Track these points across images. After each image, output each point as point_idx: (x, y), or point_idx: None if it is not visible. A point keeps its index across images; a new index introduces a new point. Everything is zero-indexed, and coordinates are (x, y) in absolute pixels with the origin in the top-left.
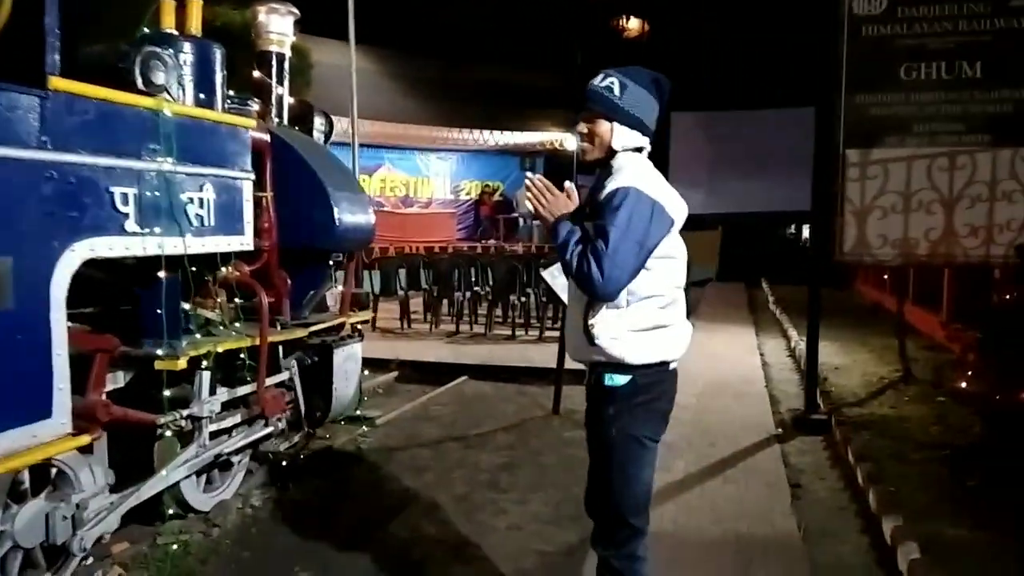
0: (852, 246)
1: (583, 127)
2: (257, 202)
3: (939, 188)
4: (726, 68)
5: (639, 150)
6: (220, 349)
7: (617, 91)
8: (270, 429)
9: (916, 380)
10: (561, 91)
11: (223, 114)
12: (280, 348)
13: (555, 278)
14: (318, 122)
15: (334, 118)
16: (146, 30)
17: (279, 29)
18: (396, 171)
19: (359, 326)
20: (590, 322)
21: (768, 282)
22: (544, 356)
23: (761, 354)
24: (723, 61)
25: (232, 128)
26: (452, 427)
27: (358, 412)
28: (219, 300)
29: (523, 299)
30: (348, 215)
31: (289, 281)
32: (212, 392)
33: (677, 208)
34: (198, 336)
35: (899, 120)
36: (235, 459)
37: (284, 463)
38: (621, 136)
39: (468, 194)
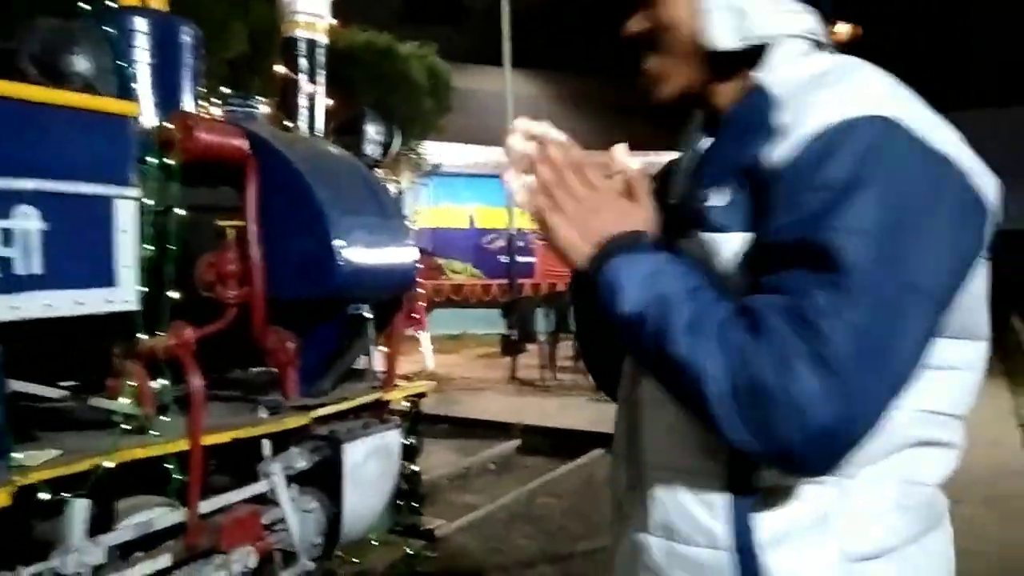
0: None
1: (634, 24)
2: (237, 235)
3: None
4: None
5: (812, 43)
6: (104, 464)
7: None
8: (219, 575)
9: None
10: None
11: (68, 94)
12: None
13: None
14: (371, 131)
15: None
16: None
17: (309, 8)
18: None
19: (416, 401)
20: (752, 530)
21: (1021, 318)
22: None
23: (1021, 426)
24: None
25: (96, 116)
26: (556, 537)
27: (412, 522)
28: (134, 383)
29: None
30: (360, 249)
31: (292, 345)
32: (100, 529)
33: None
34: (51, 451)
35: None
36: None
37: None
38: (734, 10)
39: None
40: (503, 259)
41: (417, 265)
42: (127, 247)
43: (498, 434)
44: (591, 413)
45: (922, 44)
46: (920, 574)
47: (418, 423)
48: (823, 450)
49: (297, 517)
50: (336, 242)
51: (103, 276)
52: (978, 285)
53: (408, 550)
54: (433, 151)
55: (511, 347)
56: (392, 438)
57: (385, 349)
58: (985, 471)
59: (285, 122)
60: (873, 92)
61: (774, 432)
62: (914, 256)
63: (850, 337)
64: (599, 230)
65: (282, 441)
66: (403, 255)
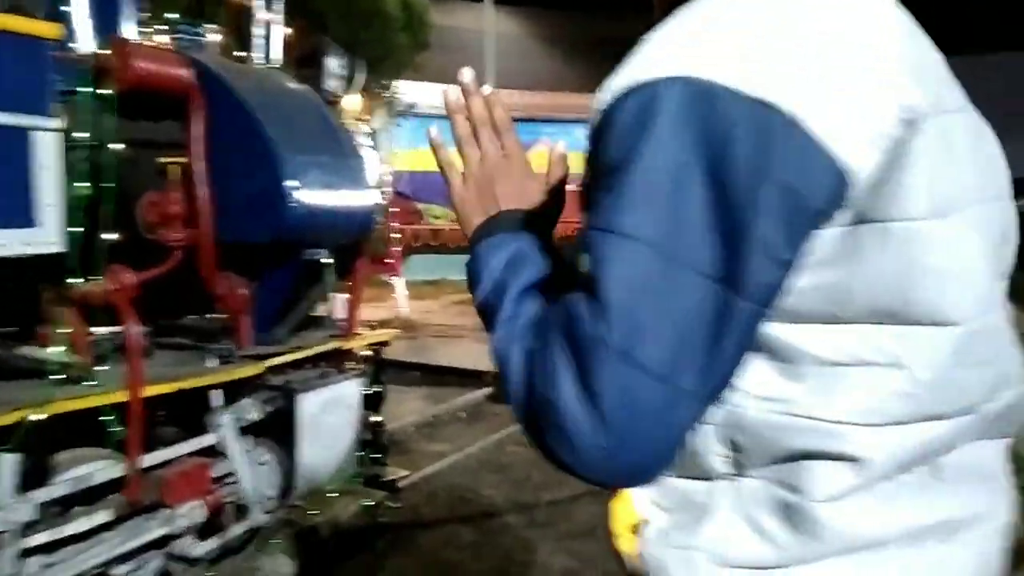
0: None
1: None
2: (182, 173)
3: None
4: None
5: None
6: (32, 416)
7: None
8: (163, 530)
9: None
10: None
11: None
12: (221, 393)
13: None
14: (332, 64)
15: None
16: None
17: None
18: None
19: (380, 350)
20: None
21: None
22: None
23: None
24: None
25: (9, 38)
26: (523, 486)
27: (375, 473)
28: (69, 331)
29: None
30: (313, 191)
31: (244, 291)
32: (34, 484)
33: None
34: None
35: None
36: None
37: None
38: None
39: None
40: None
41: (379, 208)
42: (49, 184)
43: (470, 382)
44: None
45: None
46: None
47: (381, 372)
48: (603, 472)
49: (249, 470)
50: (287, 182)
51: (21, 216)
52: (906, 255)
53: (368, 501)
54: (408, 90)
55: None
56: (351, 388)
57: (346, 296)
58: None
59: (237, 52)
60: (692, 31)
61: (553, 448)
62: (697, 261)
63: (614, 373)
64: (492, 200)
65: (235, 392)
66: (362, 197)
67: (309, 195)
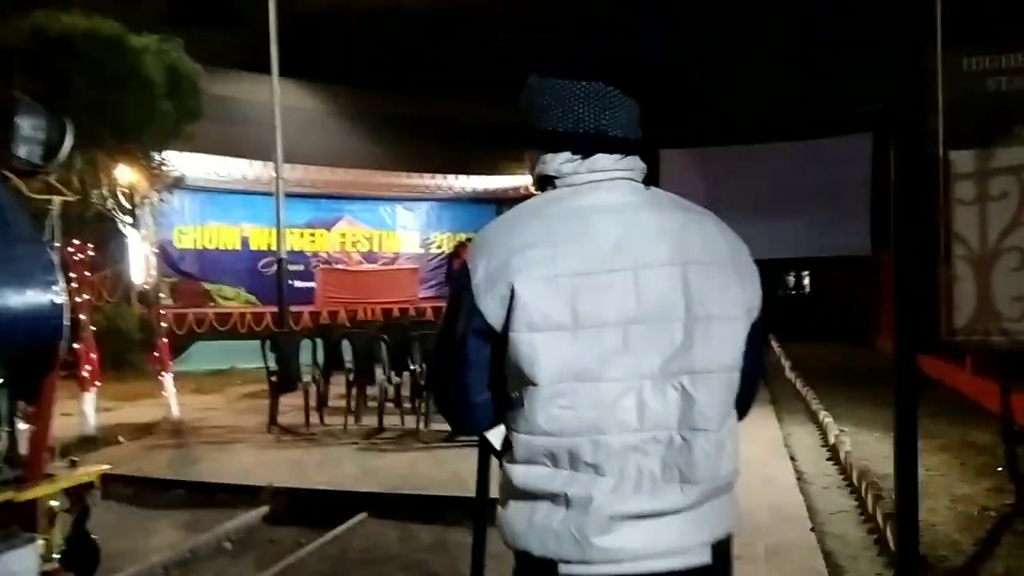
0: (970, 319)
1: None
2: None
3: None
4: (724, 99)
5: (550, 181)
6: None
7: (522, 103)
8: None
9: None
10: None
11: None
12: None
13: None
14: (26, 126)
15: (289, 166)
16: None
17: None
18: (359, 224)
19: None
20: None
21: (778, 340)
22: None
23: (792, 458)
24: (720, 91)
25: None
26: None
27: None
28: None
29: None
30: None
31: None
32: None
33: (539, 258)
34: None
35: None
36: None
37: None
38: (529, 166)
39: (440, 247)
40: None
41: (68, 307)
42: None
43: (244, 499)
44: (351, 467)
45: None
46: (540, 521)
47: (83, 524)
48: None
49: None
50: None
51: None
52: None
53: None
54: (179, 162)
55: (272, 388)
56: (19, 561)
57: (28, 427)
58: (767, 516)
59: None
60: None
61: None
62: (445, 317)
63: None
64: None
65: None
66: (39, 296)
67: None
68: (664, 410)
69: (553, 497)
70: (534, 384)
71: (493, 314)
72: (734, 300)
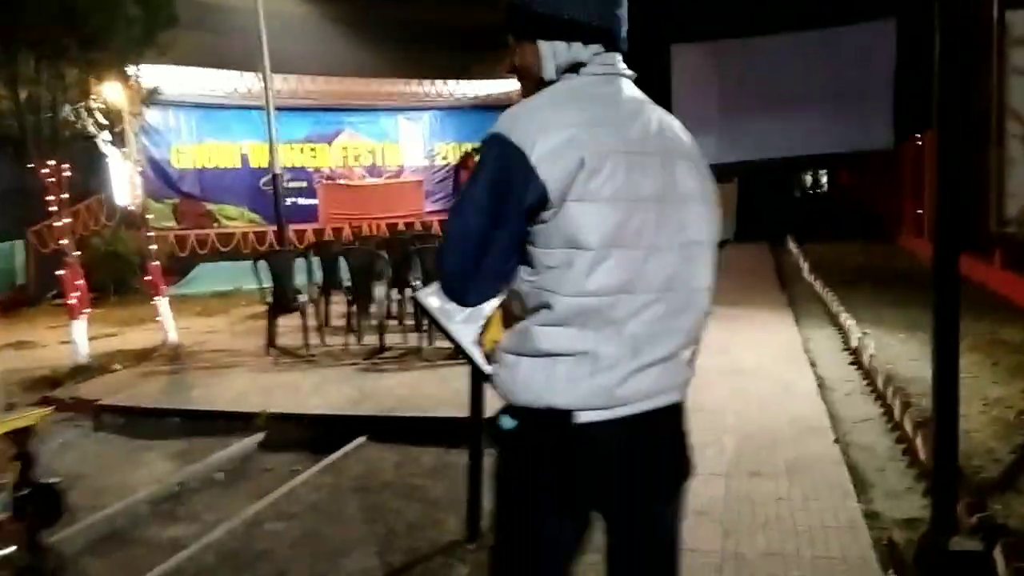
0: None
1: (507, 65)
2: None
3: None
4: None
5: (576, 68)
6: None
7: None
8: None
9: None
10: None
11: None
12: None
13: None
14: None
15: (281, 77)
16: None
17: None
18: (360, 137)
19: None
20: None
21: (796, 241)
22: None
23: (812, 364)
24: None
25: None
26: None
27: None
28: None
29: None
30: None
31: None
32: None
33: (593, 151)
34: None
35: None
36: None
37: None
38: (549, 57)
39: (444, 159)
40: (289, 201)
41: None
42: None
43: (239, 426)
44: (349, 390)
45: None
46: (555, 375)
47: (29, 471)
48: (451, 297)
49: None
50: None
51: None
52: (576, 217)
53: None
54: (152, 74)
55: (270, 309)
56: None
57: None
58: (787, 428)
59: None
60: (512, 112)
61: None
62: (474, 197)
63: (445, 236)
64: None
65: None
66: None
67: None
68: (674, 271)
69: (579, 354)
70: (587, 249)
71: (555, 186)
72: (710, 189)
